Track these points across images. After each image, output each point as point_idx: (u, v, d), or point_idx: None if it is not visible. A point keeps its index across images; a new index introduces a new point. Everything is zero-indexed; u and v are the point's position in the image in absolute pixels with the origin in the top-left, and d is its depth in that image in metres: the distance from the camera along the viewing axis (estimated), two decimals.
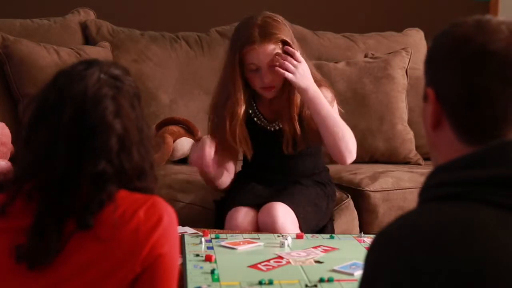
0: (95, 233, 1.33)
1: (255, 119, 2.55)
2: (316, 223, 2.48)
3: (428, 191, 1.11)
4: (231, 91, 2.48)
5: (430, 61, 1.20)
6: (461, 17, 1.17)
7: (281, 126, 2.51)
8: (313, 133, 2.47)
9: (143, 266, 1.34)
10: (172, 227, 1.38)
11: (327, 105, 2.41)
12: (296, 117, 2.47)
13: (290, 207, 2.37)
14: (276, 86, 2.46)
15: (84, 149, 1.34)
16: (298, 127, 2.45)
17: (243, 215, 2.40)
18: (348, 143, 2.44)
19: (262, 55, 2.42)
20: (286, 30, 2.48)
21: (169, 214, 1.39)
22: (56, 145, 1.34)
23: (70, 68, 1.41)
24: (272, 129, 2.55)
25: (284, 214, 2.35)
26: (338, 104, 2.60)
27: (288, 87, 2.47)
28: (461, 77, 1.11)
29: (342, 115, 2.55)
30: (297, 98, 2.47)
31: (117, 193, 1.37)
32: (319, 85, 2.52)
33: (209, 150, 2.44)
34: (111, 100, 1.36)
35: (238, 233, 2.30)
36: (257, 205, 2.43)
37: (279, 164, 2.52)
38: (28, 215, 1.35)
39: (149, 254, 1.34)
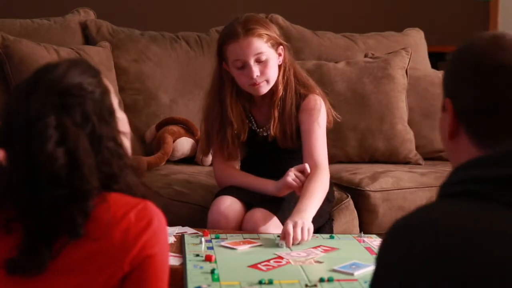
0: (86, 232, 1.36)
1: (249, 124, 2.55)
2: None
3: (447, 187, 1.13)
4: (221, 97, 2.50)
5: (449, 74, 1.25)
6: (478, 33, 1.24)
7: (269, 132, 2.52)
8: (290, 137, 2.51)
9: (132, 266, 1.37)
10: (162, 230, 1.41)
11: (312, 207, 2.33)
12: (277, 119, 2.49)
13: (273, 213, 2.38)
14: (267, 79, 2.47)
15: (37, 180, 1.35)
16: (277, 128, 2.49)
17: (227, 203, 2.42)
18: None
19: (247, 49, 2.42)
20: (271, 28, 2.50)
21: (159, 217, 1.41)
22: (14, 176, 1.36)
23: (19, 89, 1.41)
24: (260, 134, 2.56)
25: (264, 220, 2.36)
26: (337, 106, 2.61)
27: (273, 89, 2.49)
28: (478, 90, 1.17)
29: (336, 123, 2.59)
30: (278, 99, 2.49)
31: (108, 195, 1.39)
32: (307, 91, 2.52)
33: None
34: (54, 129, 1.36)
35: (238, 233, 2.30)
36: (243, 201, 2.44)
37: (271, 168, 2.51)
38: (16, 232, 1.37)
39: (138, 255, 1.37)
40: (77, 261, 1.36)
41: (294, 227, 2.17)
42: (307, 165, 2.38)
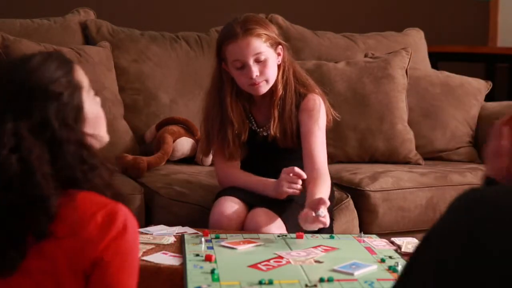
0: (54, 231, 1.36)
1: (249, 124, 2.55)
2: None
3: None
4: (221, 97, 2.50)
5: None
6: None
7: (269, 132, 2.52)
8: (290, 137, 2.50)
9: (93, 266, 1.36)
10: (128, 233, 1.39)
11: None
12: (277, 119, 2.49)
13: (276, 212, 2.38)
14: (266, 79, 2.47)
15: None
16: (277, 128, 2.48)
17: (229, 204, 2.41)
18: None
19: (246, 49, 2.42)
20: (270, 27, 2.50)
21: (127, 220, 1.40)
22: None
23: None
24: (261, 134, 2.56)
25: (267, 220, 2.36)
26: (337, 106, 2.61)
27: (273, 88, 2.49)
28: None
29: (336, 122, 2.59)
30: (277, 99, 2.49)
31: (77, 193, 1.39)
32: (307, 91, 2.52)
33: None
34: (10, 136, 1.35)
35: (238, 233, 2.30)
36: (245, 202, 2.44)
37: (271, 168, 2.50)
38: None
39: (100, 256, 1.36)
40: (46, 260, 1.36)
41: (323, 203, 2.19)
42: (296, 168, 2.36)
